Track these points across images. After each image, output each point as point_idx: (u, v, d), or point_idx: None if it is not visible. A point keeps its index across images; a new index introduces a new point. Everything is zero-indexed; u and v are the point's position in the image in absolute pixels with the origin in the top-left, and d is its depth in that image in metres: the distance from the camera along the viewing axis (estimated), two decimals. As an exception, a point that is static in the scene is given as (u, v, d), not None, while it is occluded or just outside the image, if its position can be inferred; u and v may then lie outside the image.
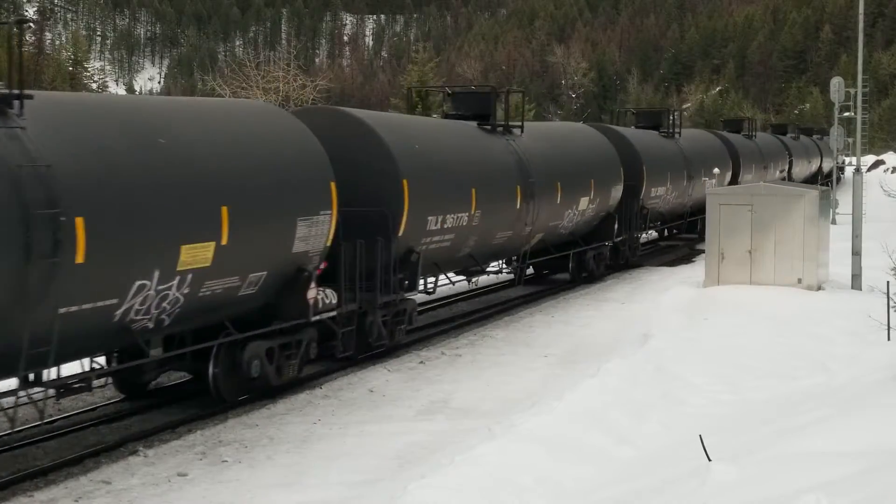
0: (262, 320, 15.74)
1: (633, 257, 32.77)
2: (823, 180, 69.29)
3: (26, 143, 11.50)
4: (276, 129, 16.26)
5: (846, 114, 50.24)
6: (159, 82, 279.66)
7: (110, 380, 15.74)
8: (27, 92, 11.81)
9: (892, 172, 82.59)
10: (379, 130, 18.75)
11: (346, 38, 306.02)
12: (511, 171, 23.17)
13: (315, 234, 16.07)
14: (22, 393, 12.03)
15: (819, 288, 22.78)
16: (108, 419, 15.04)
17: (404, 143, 19.18)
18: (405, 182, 18.45)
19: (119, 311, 12.66)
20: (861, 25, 27.75)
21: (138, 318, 13.07)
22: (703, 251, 27.04)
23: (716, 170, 39.53)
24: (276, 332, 15.91)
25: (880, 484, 8.05)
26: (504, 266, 25.94)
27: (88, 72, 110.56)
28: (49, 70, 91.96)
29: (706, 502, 8.85)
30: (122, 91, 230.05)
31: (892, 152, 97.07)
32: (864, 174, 30.07)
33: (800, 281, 22.70)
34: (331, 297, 16.77)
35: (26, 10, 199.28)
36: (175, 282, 13.35)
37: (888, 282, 17.45)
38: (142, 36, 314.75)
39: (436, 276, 21.29)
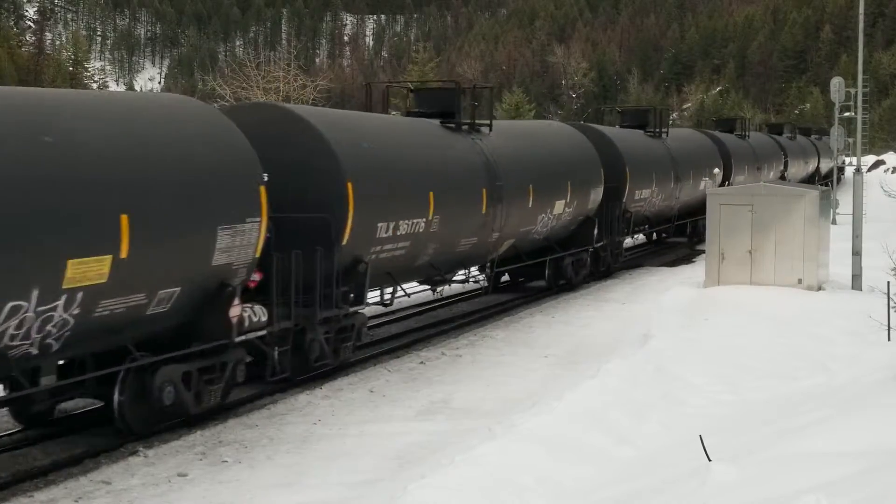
0: (180, 341, 14.11)
1: (616, 263, 31.21)
2: (821, 182, 68.95)
3: None
4: (195, 126, 14.49)
5: (846, 114, 50.25)
6: (159, 82, 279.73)
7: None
8: None
9: (893, 172, 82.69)
10: (320, 127, 17.13)
11: (346, 38, 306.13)
12: (476, 173, 21.58)
13: (240, 244, 14.35)
14: None
15: (819, 288, 22.78)
16: (107, 419, 15.00)
17: (350, 141, 17.60)
18: (350, 184, 16.86)
19: (-11, 337, 11.08)
20: (861, 25, 27.75)
21: (15, 343, 11.44)
22: (703, 251, 27.04)
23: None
24: (196, 354, 14.23)
25: (880, 484, 8.05)
26: (476, 274, 24.36)
27: (88, 72, 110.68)
28: (49, 70, 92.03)
29: (706, 502, 8.85)
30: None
31: (892, 152, 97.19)
32: (864, 174, 30.08)
33: (800, 281, 22.70)
34: (260, 314, 15.12)
35: (26, 10, 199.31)
36: (61, 301, 11.65)
37: (888, 282, 17.45)
38: (142, 36, 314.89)
39: (393, 287, 19.62)
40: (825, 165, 74.18)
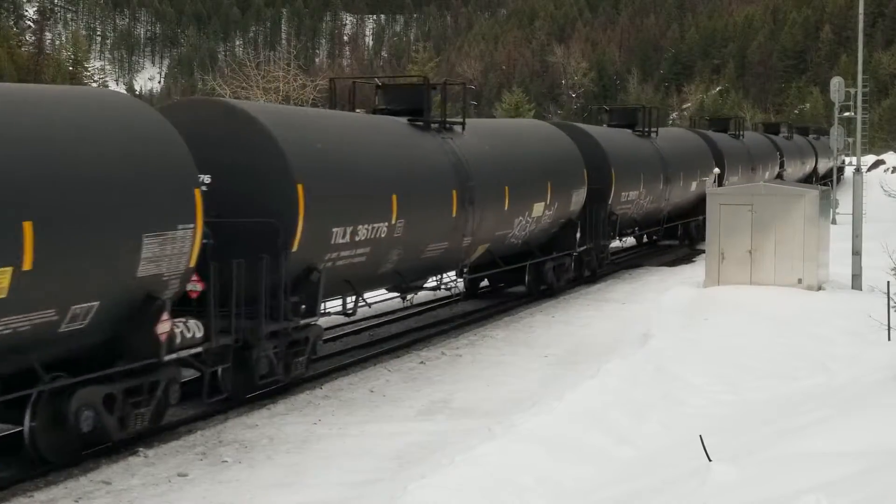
0: (104, 361, 12.86)
1: (602, 268, 30.04)
2: (819, 182, 68.59)
3: None
4: (118, 122, 13.15)
5: (846, 114, 50.25)
6: (159, 82, 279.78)
7: None
8: None
9: (893, 172, 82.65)
10: (268, 125, 15.87)
11: (346, 38, 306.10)
12: (445, 174, 20.30)
13: (171, 252, 13.12)
14: None
15: (819, 288, 22.79)
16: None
17: (303, 140, 16.39)
18: (300, 187, 15.58)
19: None
20: (861, 25, 27.76)
21: None
22: (703, 251, 27.03)
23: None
24: (121, 374, 13.00)
25: (880, 484, 8.06)
26: (448, 281, 22.49)
27: (88, 72, 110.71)
28: (49, 70, 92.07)
29: (706, 502, 8.85)
30: (122, 91, 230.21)
31: (892, 152, 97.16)
32: (864, 174, 30.08)
33: (800, 281, 22.70)
34: (194, 329, 13.87)
35: (26, 10, 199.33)
36: None
37: (888, 282, 17.45)
38: (142, 36, 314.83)
39: (356, 295, 18.45)
40: (823, 166, 73.33)
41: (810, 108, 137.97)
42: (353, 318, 22.18)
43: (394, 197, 18.18)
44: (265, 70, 54.20)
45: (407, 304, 22.27)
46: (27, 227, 11.10)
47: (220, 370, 14.92)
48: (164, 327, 13.21)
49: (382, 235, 17.92)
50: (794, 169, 60.10)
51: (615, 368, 15.62)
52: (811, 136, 76.15)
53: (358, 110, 22.81)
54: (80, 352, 12.64)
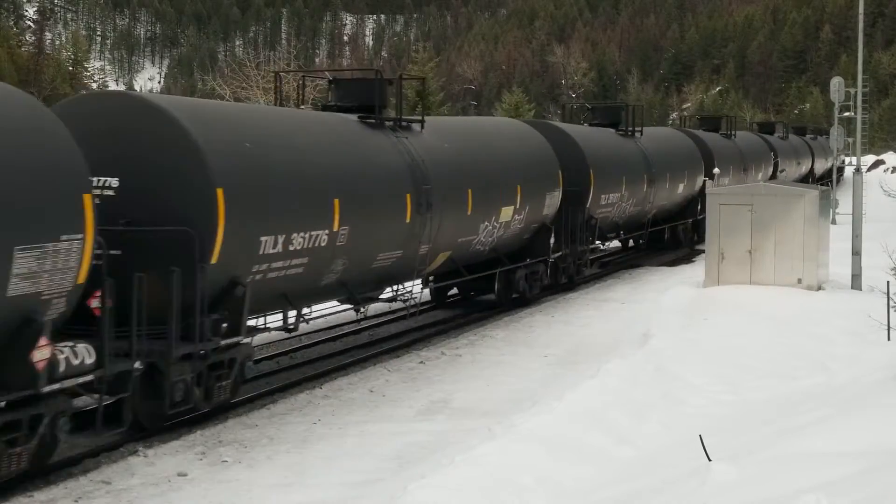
0: None
1: (580, 275, 28.43)
2: (816, 184, 67.98)
3: None
4: None
5: (846, 114, 50.25)
6: (159, 82, 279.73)
7: None
8: None
9: (892, 172, 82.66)
10: (183, 120, 14.12)
11: (346, 38, 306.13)
12: (398, 176, 18.68)
13: (53, 267, 11.35)
14: None
15: (819, 288, 22.79)
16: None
17: (226, 138, 14.68)
18: (221, 191, 13.87)
19: None
20: (861, 25, 27.76)
21: None
22: (703, 251, 27.03)
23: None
24: None
25: (880, 484, 8.06)
26: (404, 291, 20.19)
27: (88, 72, 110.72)
28: (49, 70, 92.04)
29: (706, 502, 8.85)
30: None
31: (892, 152, 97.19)
32: (864, 174, 30.08)
33: (800, 281, 22.70)
34: (84, 354, 12.02)
35: (26, 10, 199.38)
36: None
37: (888, 282, 17.45)
38: (142, 36, 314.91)
39: (297, 309, 16.86)
40: (820, 166, 72.14)
41: (810, 108, 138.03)
42: (353, 319, 22.20)
43: (336, 201, 16.51)
44: (265, 70, 54.19)
45: (360, 316, 20.17)
46: None
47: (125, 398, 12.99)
48: (41, 354, 11.37)
49: (323, 244, 16.19)
50: (790, 170, 58.43)
51: (615, 368, 15.62)
52: (808, 136, 74.45)
53: (303, 107, 21.74)
54: None
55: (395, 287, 19.62)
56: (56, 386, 11.72)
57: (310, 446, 13.84)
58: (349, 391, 16.89)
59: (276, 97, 20.72)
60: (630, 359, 16.57)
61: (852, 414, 11.51)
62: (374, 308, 21.76)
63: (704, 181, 38.33)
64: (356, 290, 18.16)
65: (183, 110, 14.52)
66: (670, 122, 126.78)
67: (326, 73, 21.79)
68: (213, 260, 13.86)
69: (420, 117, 20.74)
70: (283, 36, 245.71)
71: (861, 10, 27.13)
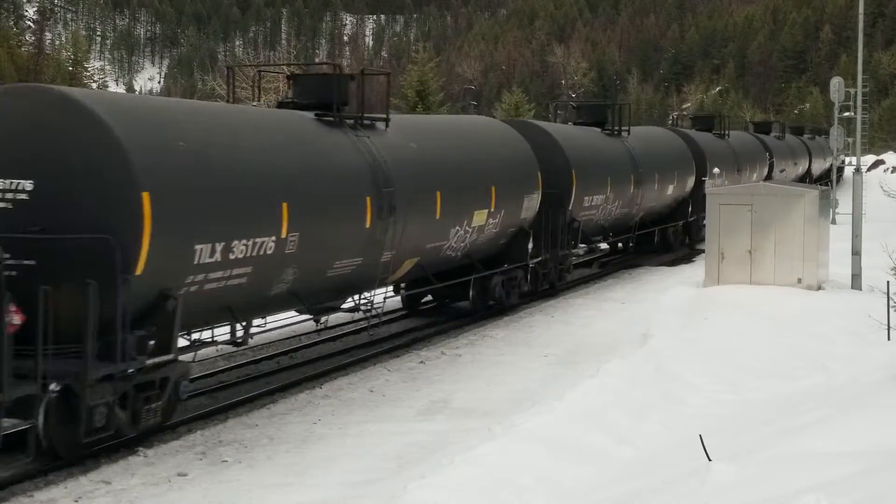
0: None
1: (562, 281, 27.39)
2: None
3: None
4: None
5: (846, 114, 50.24)
6: (159, 82, 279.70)
7: None
8: None
9: (892, 172, 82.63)
10: (103, 116, 12.81)
11: (346, 38, 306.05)
12: (357, 178, 17.40)
13: None
14: None
15: (819, 288, 22.79)
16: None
17: (155, 136, 13.32)
18: (147, 195, 12.57)
19: None
20: (861, 25, 27.76)
21: None
22: (703, 251, 27.03)
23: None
24: None
25: (880, 484, 8.06)
26: (365, 300, 18.85)
27: (88, 72, 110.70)
28: (49, 70, 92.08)
29: (706, 502, 8.85)
30: (122, 91, 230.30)
31: (892, 152, 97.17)
32: (864, 174, 30.08)
33: (800, 281, 22.71)
34: None
35: (26, 10, 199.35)
36: None
37: (888, 282, 17.46)
38: (142, 36, 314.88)
39: (240, 322, 15.59)
40: (818, 167, 71.02)
41: (810, 108, 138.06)
42: (352, 319, 22.14)
43: (284, 206, 15.22)
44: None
45: (321, 327, 18.84)
46: None
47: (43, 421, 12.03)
48: None
49: (269, 252, 14.93)
50: (786, 170, 56.85)
51: (615, 368, 15.62)
52: (806, 136, 73.20)
53: (255, 104, 20.49)
54: None
55: (356, 297, 18.49)
56: None
57: (310, 446, 13.84)
58: (349, 391, 16.90)
59: (228, 93, 19.30)
60: (630, 359, 16.58)
61: (852, 414, 11.51)
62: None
63: (703, 181, 37.18)
64: (311, 301, 17.03)
65: (104, 104, 13.27)
66: (670, 122, 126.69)
67: (284, 67, 20.36)
68: (138, 271, 12.61)
69: (384, 115, 19.37)
70: (283, 36, 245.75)
71: (861, 10, 27.13)
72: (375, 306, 18.85)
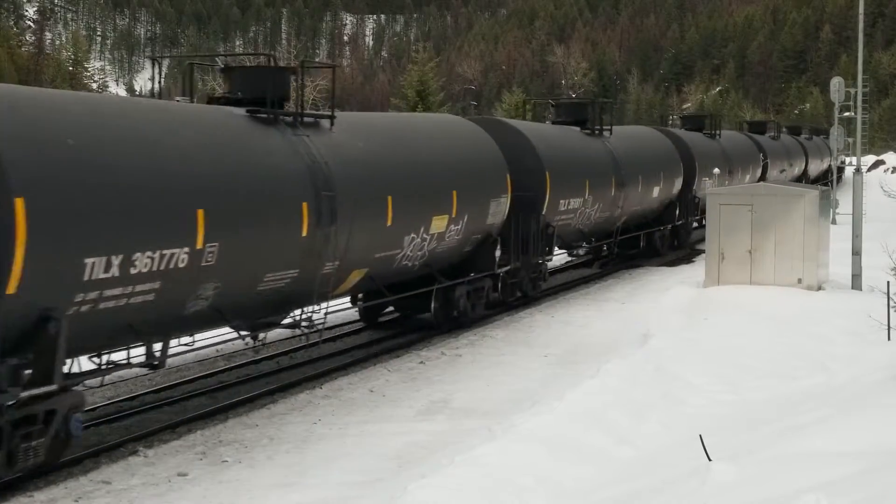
0: None
1: (535, 291, 25.59)
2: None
3: None
4: None
5: (846, 114, 50.25)
6: (160, 82, 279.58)
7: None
8: None
9: (892, 172, 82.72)
10: None
11: (346, 38, 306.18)
12: (293, 181, 15.66)
13: None
14: None
15: (819, 288, 22.79)
16: (108, 419, 15.04)
17: (36, 133, 11.63)
18: (21, 201, 10.96)
19: None
20: (861, 25, 27.76)
21: None
22: (703, 251, 27.02)
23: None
24: None
25: (880, 484, 8.06)
26: (300, 317, 16.92)
27: (88, 72, 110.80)
28: (49, 70, 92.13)
29: (706, 502, 8.86)
30: (122, 91, 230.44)
31: (892, 152, 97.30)
32: (864, 174, 30.09)
33: (800, 281, 22.71)
34: None
35: (26, 10, 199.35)
36: None
37: (888, 282, 17.45)
38: (142, 36, 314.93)
39: (148, 344, 13.66)
40: (815, 168, 69.38)
41: (810, 108, 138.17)
42: (352, 319, 22.13)
43: (200, 213, 13.48)
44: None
45: (258, 344, 17.42)
46: None
47: None
48: None
49: (181, 265, 13.20)
50: (780, 172, 54.74)
51: (615, 368, 15.62)
52: (804, 136, 71.17)
53: (177, 99, 19.02)
54: None
55: (298, 311, 16.76)
56: None
57: (310, 446, 13.84)
58: (349, 391, 16.89)
59: (153, 86, 17.63)
60: (630, 359, 16.58)
61: (852, 414, 11.51)
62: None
63: (692, 183, 36.62)
64: (240, 318, 15.56)
65: None
66: (670, 122, 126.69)
67: (217, 60, 19.17)
68: (11, 289, 10.95)
69: (329, 112, 17.70)
70: (283, 36, 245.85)
71: (861, 10, 27.12)
72: (315, 322, 16.94)
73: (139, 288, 12.67)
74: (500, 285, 23.23)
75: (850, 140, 63.09)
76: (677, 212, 35.97)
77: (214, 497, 11.86)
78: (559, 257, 32.01)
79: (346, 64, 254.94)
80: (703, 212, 39.57)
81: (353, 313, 22.62)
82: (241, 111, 16.00)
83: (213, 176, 14.08)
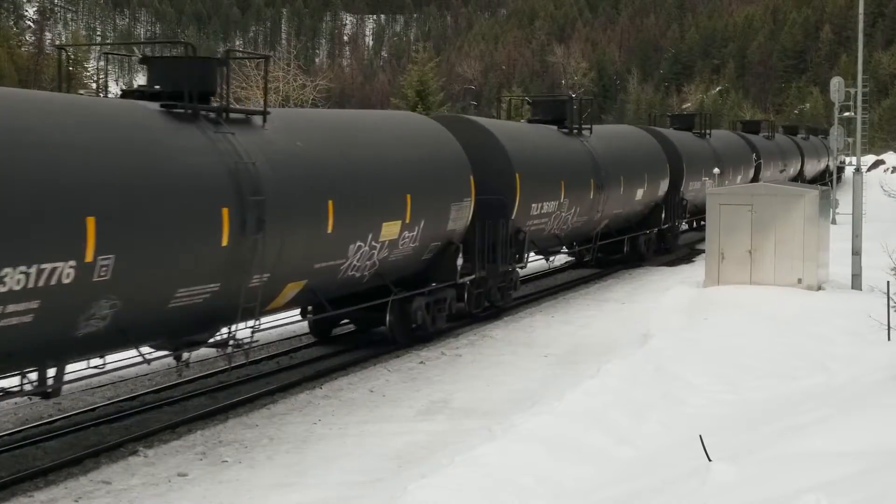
0: None
1: (505, 301, 23.92)
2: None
3: None
4: None
5: (846, 114, 50.23)
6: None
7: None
8: None
9: (892, 172, 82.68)
10: None
11: (346, 38, 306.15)
12: (212, 185, 14.06)
13: None
14: None
15: (819, 288, 22.80)
16: (108, 419, 15.04)
17: None
18: None
19: None
20: (861, 25, 27.76)
21: None
22: (703, 251, 27.01)
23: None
24: None
25: (880, 484, 8.06)
26: (227, 335, 15.34)
27: (88, 72, 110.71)
28: (49, 70, 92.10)
29: (706, 502, 8.86)
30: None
31: (892, 152, 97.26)
32: (864, 174, 30.08)
33: (800, 281, 22.71)
34: None
35: (26, 10, 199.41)
36: None
37: (888, 282, 17.45)
38: (142, 36, 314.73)
39: (58, 367, 12.64)
40: (812, 168, 68.15)
41: (810, 108, 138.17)
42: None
43: (90, 221, 11.92)
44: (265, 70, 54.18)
45: (181, 365, 15.64)
46: None
47: None
48: None
49: (67, 280, 11.66)
50: (774, 172, 52.84)
51: (615, 368, 15.62)
52: (800, 136, 69.55)
53: (82, 92, 17.94)
54: None
55: (226, 329, 15.27)
56: None
57: (310, 446, 13.84)
58: (349, 391, 16.90)
59: (58, 80, 15.65)
60: (630, 359, 16.58)
61: (852, 414, 11.51)
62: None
63: (679, 185, 35.23)
64: (149, 338, 14.20)
65: None
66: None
67: (135, 50, 18.49)
68: None
69: (262, 108, 16.14)
70: (283, 36, 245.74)
71: (861, 10, 27.12)
72: (241, 341, 15.42)
73: (11, 308, 11.12)
74: (465, 295, 21.76)
75: (850, 140, 63.06)
76: (663, 215, 34.58)
77: (214, 497, 11.87)
78: (557, 260, 31.93)
79: (346, 64, 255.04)
80: (693, 214, 39.60)
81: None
82: (155, 106, 14.43)
83: (109, 179, 12.41)
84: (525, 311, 24.86)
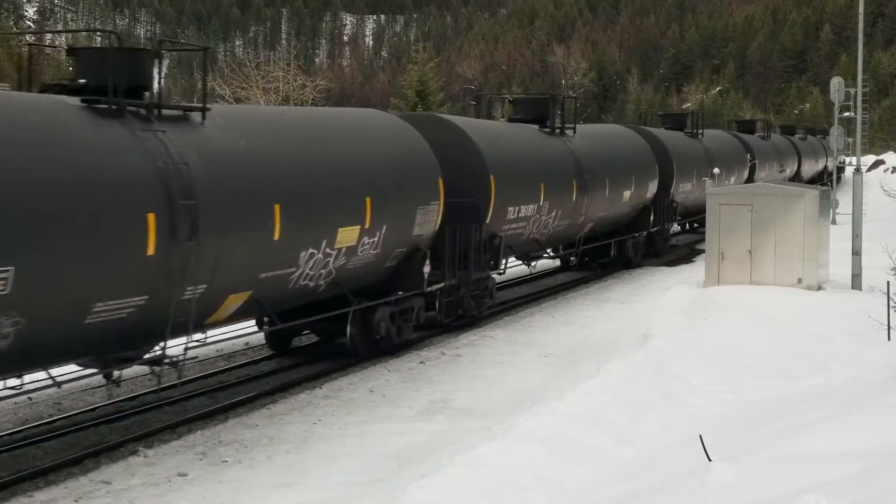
0: None
1: (480, 309, 22.58)
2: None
3: None
4: None
5: (846, 114, 50.21)
6: (159, 82, 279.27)
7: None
8: None
9: (892, 172, 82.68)
10: None
11: (346, 38, 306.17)
12: (137, 188, 12.86)
13: None
14: None
15: (819, 288, 22.79)
16: (108, 419, 15.04)
17: None
18: None
19: None
20: (861, 25, 27.75)
21: None
22: (703, 251, 27.01)
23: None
24: None
25: (880, 484, 8.06)
26: (166, 349, 14.12)
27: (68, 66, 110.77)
28: (49, 70, 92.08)
29: (706, 502, 8.86)
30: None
31: (892, 152, 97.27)
32: (864, 174, 30.08)
33: (800, 281, 22.71)
34: None
35: (26, 10, 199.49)
36: None
37: (888, 282, 17.45)
38: (142, 36, 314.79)
39: None
40: (809, 169, 66.91)
41: (810, 108, 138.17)
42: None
43: None
44: (265, 70, 54.21)
45: (111, 385, 14.66)
46: None
47: None
48: None
49: None
50: (769, 173, 51.16)
51: (615, 368, 15.62)
52: (797, 136, 68.04)
53: (4, 86, 15.84)
54: None
55: (160, 346, 14.03)
56: None
57: (310, 446, 13.84)
58: (349, 391, 16.90)
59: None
60: (630, 359, 16.58)
61: (852, 414, 11.51)
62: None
63: (669, 187, 34.27)
64: (64, 358, 12.92)
65: None
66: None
67: (59, 33, 16.56)
68: None
69: (201, 104, 15.01)
70: (283, 36, 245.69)
71: (861, 10, 27.12)
72: (173, 359, 14.21)
73: None
74: (435, 304, 20.63)
75: (850, 140, 63.00)
76: (652, 217, 33.47)
77: (214, 497, 11.87)
78: (552, 262, 31.93)
79: (346, 64, 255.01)
80: (684, 216, 39.33)
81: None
82: (75, 101, 13.17)
83: (6, 182, 11.18)
84: (525, 311, 24.86)
